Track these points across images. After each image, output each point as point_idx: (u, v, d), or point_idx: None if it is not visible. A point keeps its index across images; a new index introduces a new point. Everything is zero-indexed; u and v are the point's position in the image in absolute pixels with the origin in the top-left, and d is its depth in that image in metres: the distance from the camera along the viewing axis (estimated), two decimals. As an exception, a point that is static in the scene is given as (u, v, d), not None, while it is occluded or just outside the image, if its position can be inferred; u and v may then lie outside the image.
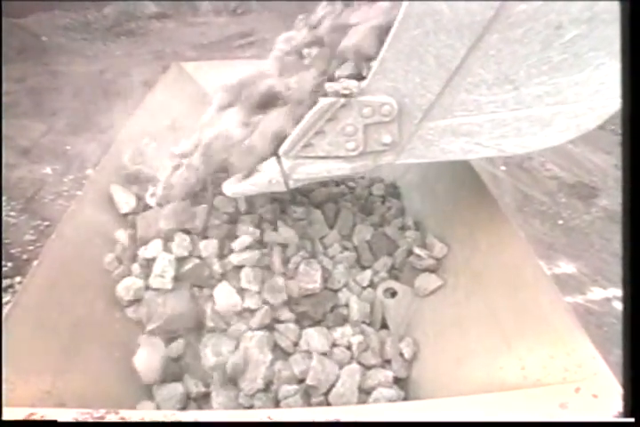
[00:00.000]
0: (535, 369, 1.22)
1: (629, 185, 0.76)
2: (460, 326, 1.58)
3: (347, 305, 1.77)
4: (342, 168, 1.33)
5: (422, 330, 1.74)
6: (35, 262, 1.42)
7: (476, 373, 1.39)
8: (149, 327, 1.54)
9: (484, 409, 1.04)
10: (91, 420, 0.98)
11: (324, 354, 1.57)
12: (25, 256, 3.07)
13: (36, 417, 0.97)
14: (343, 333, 1.66)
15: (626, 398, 0.81)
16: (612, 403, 1.00)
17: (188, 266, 1.63)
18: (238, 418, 1.01)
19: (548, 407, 1.02)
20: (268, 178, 1.38)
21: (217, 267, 1.67)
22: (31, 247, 3.16)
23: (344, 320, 1.74)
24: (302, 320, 1.70)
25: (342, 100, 1.22)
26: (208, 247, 1.69)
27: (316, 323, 1.72)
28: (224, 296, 1.63)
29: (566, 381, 1.11)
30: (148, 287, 1.63)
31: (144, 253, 1.67)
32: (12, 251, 3.10)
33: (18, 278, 2.85)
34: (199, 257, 1.69)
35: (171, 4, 7.64)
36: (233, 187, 1.44)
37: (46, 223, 3.37)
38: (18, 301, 1.29)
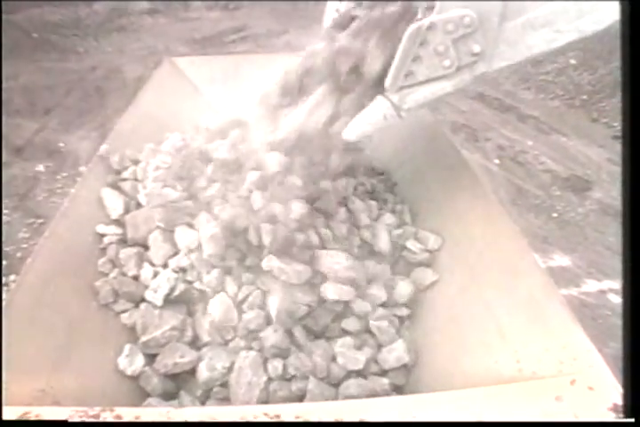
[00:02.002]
0: (530, 362, 1.22)
1: (629, 180, 0.75)
2: (455, 320, 1.58)
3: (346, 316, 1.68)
4: (444, 87, 1.38)
5: (418, 325, 1.74)
6: (28, 260, 1.41)
7: (472, 366, 1.39)
8: (144, 339, 1.51)
9: (479, 402, 1.04)
10: (86, 418, 0.97)
11: (322, 378, 1.51)
12: (19, 254, 3.06)
13: (31, 416, 0.97)
14: (343, 343, 1.58)
15: (626, 398, 0.82)
16: (607, 395, 1.00)
17: (175, 293, 1.58)
18: (233, 415, 1.01)
19: (543, 400, 1.03)
20: (382, 114, 1.45)
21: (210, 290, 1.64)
22: (25, 245, 3.15)
23: (345, 332, 1.65)
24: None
25: (426, 22, 1.27)
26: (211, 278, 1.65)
27: (317, 336, 1.64)
28: (220, 309, 1.57)
29: (561, 373, 1.12)
30: (143, 299, 1.60)
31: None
32: (6, 249, 3.09)
33: (12, 277, 2.84)
34: (189, 281, 1.65)
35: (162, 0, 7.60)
36: (353, 131, 1.51)
37: (40, 221, 3.36)
38: (11, 299, 1.28)
